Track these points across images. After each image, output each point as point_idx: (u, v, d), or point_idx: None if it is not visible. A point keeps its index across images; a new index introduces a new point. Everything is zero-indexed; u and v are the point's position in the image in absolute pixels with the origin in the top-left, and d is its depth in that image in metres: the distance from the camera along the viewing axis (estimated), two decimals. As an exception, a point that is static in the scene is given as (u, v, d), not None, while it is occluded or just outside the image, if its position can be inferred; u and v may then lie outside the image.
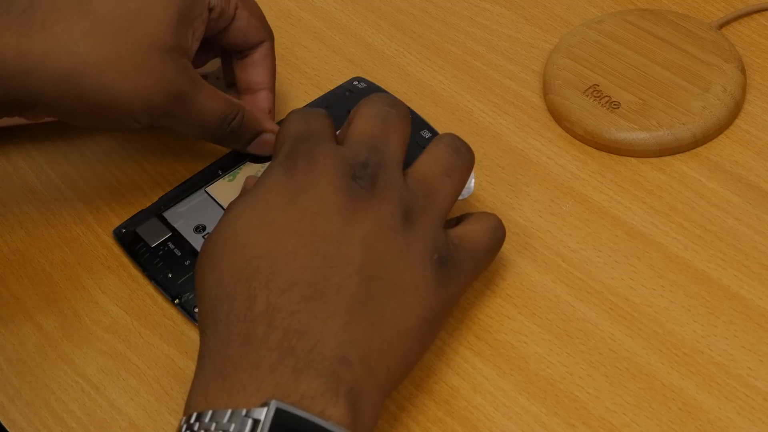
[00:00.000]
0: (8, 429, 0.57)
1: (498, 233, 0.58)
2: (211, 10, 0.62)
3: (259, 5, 0.65)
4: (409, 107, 0.58)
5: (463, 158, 0.57)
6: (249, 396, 0.47)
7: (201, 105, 0.61)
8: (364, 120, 0.57)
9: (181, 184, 0.66)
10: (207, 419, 0.46)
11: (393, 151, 0.55)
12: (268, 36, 0.65)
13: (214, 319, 0.50)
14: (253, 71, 0.66)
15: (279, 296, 0.50)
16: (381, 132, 0.56)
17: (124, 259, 0.63)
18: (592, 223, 0.62)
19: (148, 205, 0.65)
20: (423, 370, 0.57)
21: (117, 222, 0.65)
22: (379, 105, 0.57)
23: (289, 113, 0.58)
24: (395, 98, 0.59)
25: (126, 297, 0.62)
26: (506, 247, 0.61)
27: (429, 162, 0.56)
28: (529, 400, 0.56)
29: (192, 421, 0.47)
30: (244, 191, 0.56)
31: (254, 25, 0.64)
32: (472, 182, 0.63)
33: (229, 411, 0.46)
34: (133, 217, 0.64)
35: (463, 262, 0.55)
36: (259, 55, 0.65)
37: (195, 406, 0.48)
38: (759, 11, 0.72)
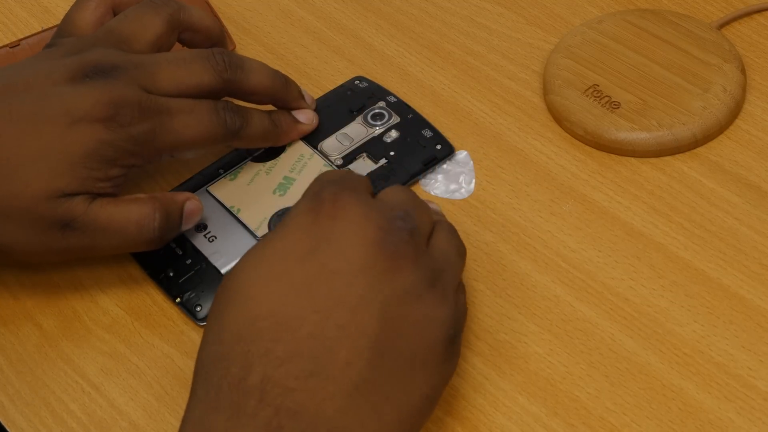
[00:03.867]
0: (8, 429, 0.57)
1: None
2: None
3: (259, 6, 0.65)
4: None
5: (463, 250, 0.55)
6: None
7: (103, 223, 0.58)
8: (396, 190, 0.54)
9: (183, 183, 0.66)
10: None
11: (422, 223, 0.53)
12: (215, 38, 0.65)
13: (207, 381, 0.48)
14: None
15: (277, 368, 0.47)
16: (413, 201, 0.54)
17: (125, 259, 0.63)
18: (592, 223, 0.62)
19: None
20: (423, 370, 0.57)
21: (117, 222, 0.65)
22: (406, 189, 0.55)
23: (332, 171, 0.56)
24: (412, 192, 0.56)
25: (126, 297, 0.62)
26: (506, 246, 0.61)
27: (446, 237, 0.54)
28: (529, 400, 0.56)
29: None
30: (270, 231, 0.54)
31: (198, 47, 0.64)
32: (472, 183, 0.63)
33: None
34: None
35: (462, 329, 0.53)
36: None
37: None
38: (759, 11, 0.72)
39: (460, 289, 0.54)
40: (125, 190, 0.60)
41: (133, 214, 0.58)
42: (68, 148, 0.56)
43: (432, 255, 0.52)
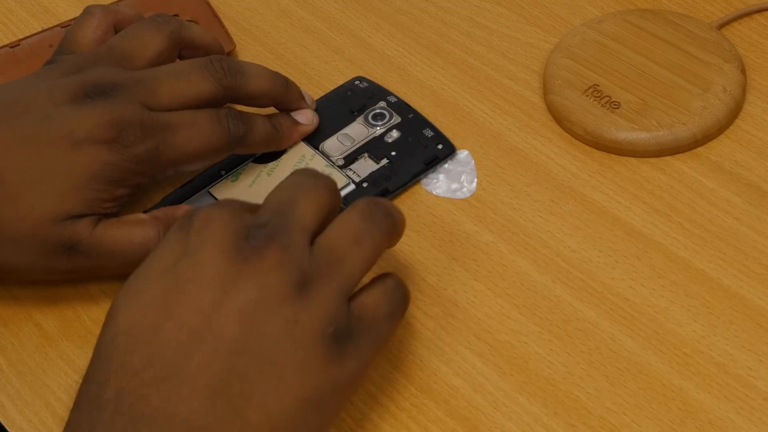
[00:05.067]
0: (8, 429, 0.57)
1: (396, 294, 0.53)
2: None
3: (259, 6, 0.65)
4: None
5: (378, 225, 0.52)
6: None
7: (108, 246, 0.58)
8: (278, 189, 0.53)
9: (184, 185, 0.66)
10: None
11: (301, 217, 0.51)
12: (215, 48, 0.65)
13: (75, 407, 0.48)
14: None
15: (131, 379, 0.47)
16: (291, 198, 0.52)
17: (124, 259, 0.63)
18: (592, 223, 0.62)
19: (149, 205, 0.65)
20: (423, 370, 0.57)
21: (117, 222, 0.65)
22: (298, 175, 0.54)
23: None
24: (319, 172, 0.54)
25: (126, 297, 0.62)
26: (506, 246, 0.61)
27: (338, 229, 0.52)
28: (529, 400, 0.56)
29: None
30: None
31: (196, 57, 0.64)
32: (474, 182, 0.63)
33: None
34: (134, 218, 0.64)
35: (363, 334, 0.50)
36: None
37: None
38: (759, 11, 0.72)
39: (356, 288, 0.51)
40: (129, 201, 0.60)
41: (137, 237, 0.59)
42: (73, 170, 0.57)
43: (312, 255, 0.50)
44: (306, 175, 0.54)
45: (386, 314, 0.52)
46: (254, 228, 0.50)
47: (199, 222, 0.50)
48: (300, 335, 0.48)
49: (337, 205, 0.53)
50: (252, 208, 0.52)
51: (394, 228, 0.53)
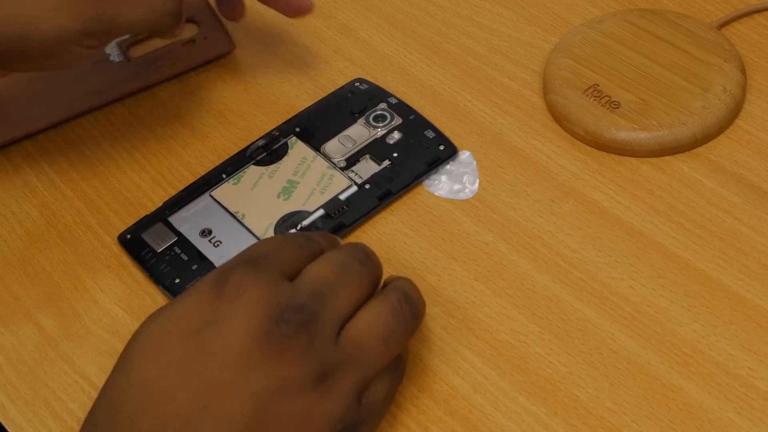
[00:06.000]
0: (8, 429, 0.57)
1: (399, 380, 0.53)
2: None
3: (260, 6, 0.65)
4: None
5: (406, 327, 0.52)
6: None
7: None
8: (323, 263, 0.51)
9: (186, 188, 0.65)
10: None
11: (338, 308, 0.50)
12: None
13: None
14: None
15: None
16: (335, 281, 0.50)
17: (125, 259, 0.63)
18: (592, 223, 0.62)
19: (149, 205, 0.65)
20: (423, 370, 0.57)
21: (117, 222, 0.65)
22: (348, 254, 0.52)
23: (278, 235, 0.53)
24: (370, 253, 0.53)
25: (126, 297, 0.62)
26: (506, 246, 0.61)
27: (369, 323, 0.50)
28: (529, 400, 0.56)
29: None
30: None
31: None
32: (476, 183, 0.63)
33: None
34: (137, 222, 0.64)
35: (367, 422, 0.50)
36: None
37: None
38: (759, 11, 0.72)
39: (370, 381, 0.51)
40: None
41: None
42: None
43: (338, 346, 0.49)
44: (356, 258, 0.52)
45: (387, 399, 0.52)
46: (289, 311, 0.48)
47: (233, 287, 0.48)
48: (309, 427, 0.48)
49: (371, 292, 0.52)
50: (290, 272, 0.50)
51: (416, 328, 0.53)
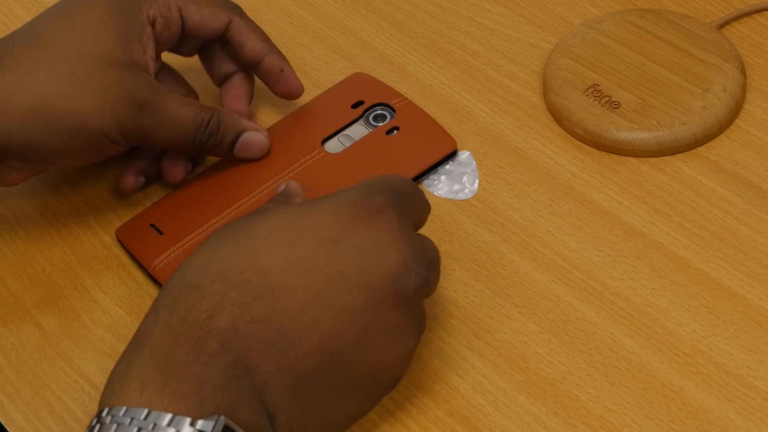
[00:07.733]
0: (8, 429, 0.57)
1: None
2: (153, 24, 0.61)
3: (259, 5, 0.65)
4: None
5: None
6: (190, 407, 0.45)
7: (171, 112, 0.60)
8: (431, 243, 0.54)
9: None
10: (143, 417, 0.44)
11: (435, 279, 0.52)
12: (232, 12, 0.65)
13: (173, 305, 0.48)
14: (236, 50, 0.65)
15: (246, 323, 0.47)
16: (438, 263, 0.53)
17: (124, 259, 0.63)
18: (592, 223, 0.62)
19: (148, 203, 0.65)
20: (423, 370, 0.57)
21: (117, 222, 0.65)
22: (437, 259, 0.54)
23: (411, 181, 0.55)
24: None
25: (126, 297, 0.62)
26: (506, 246, 0.61)
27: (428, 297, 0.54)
28: (529, 400, 0.56)
29: (122, 414, 0.45)
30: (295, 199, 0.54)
31: (208, 13, 0.63)
32: (475, 183, 0.63)
33: (170, 415, 0.44)
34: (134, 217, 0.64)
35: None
36: (233, 34, 0.65)
37: (127, 397, 0.46)
38: (759, 11, 0.72)
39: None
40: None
41: (195, 109, 0.61)
42: None
43: (422, 309, 0.52)
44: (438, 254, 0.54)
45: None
46: (421, 266, 0.50)
47: (374, 213, 0.50)
48: (381, 375, 0.51)
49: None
50: (414, 222, 0.53)
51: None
